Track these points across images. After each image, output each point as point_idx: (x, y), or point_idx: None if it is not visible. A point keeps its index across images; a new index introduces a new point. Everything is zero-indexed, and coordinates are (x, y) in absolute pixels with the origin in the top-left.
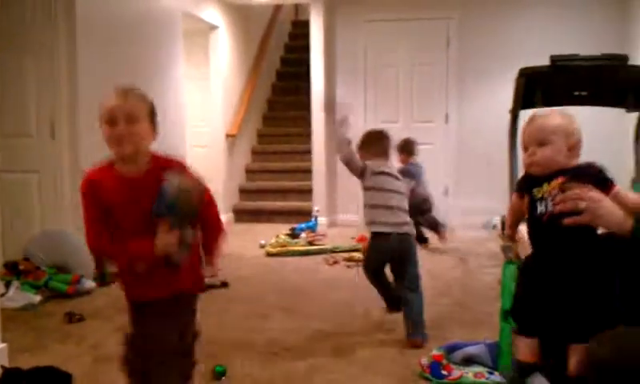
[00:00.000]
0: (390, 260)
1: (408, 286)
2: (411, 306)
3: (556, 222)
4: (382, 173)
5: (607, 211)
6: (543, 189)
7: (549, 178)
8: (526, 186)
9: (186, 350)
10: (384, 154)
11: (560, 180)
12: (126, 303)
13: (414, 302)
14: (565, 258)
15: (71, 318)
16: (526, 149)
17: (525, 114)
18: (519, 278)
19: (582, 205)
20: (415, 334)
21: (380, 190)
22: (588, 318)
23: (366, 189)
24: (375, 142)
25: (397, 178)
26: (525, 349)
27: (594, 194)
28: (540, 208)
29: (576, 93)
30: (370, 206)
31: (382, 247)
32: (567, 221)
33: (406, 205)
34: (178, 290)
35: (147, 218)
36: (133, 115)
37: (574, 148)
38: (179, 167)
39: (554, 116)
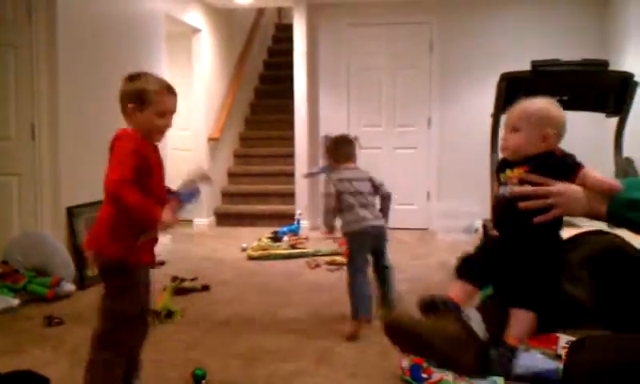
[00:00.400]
0: (371, 252)
1: (386, 265)
2: (391, 280)
3: (511, 205)
4: (343, 179)
5: (573, 201)
6: (507, 174)
7: (514, 164)
8: (498, 170)
9: None
10: (350, 157)
11: (522, 169)
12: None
13: (392, 276)
14: (515, 237)
15: (50, 321)
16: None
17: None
18: (480, 241)
19: (549, 201)
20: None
21: (348, 193)
22: (529, 287)
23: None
24: (340, 147)
25: (360, 179)
26: (458, 290)
27: (558, 187)
28: (501, 190)
29: (557, 98)
30: (345, 209)
31: (364, 241)
32: (537, 220)
33: (373, 200)
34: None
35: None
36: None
37: (548, 138)
38: None
39: (534, 103)
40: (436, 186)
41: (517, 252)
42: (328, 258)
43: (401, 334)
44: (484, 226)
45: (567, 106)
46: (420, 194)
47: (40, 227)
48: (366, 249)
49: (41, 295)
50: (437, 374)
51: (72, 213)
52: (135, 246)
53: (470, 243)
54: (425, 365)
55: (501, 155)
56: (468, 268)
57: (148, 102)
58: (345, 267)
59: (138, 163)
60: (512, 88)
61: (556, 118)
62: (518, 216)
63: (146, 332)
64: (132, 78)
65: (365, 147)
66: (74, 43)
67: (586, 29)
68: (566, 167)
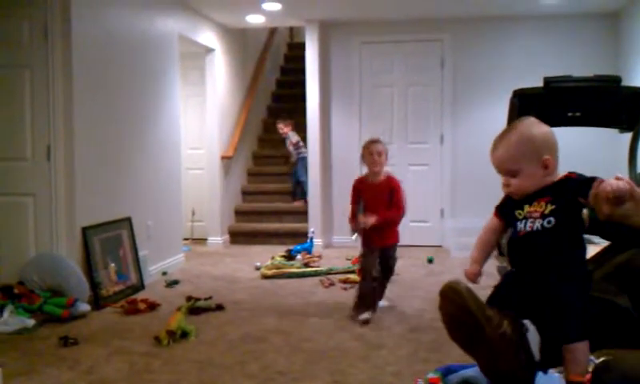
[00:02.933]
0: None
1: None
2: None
3: (530, 238)
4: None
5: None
6: (524, 210)
7: (530, 199)
8: (509, 209)
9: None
10: None
11: (543, 201)
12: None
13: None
14: (536, 270)
15: (66, 342)
16: (500, 172)
17: None
18: (500, 279)
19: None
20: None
21: None
22: (574, 315)
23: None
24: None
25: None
26: None
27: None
28: (520, 227)
29: (570, 114)
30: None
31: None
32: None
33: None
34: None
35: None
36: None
37: (549, 165)
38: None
39: (513, 139)
40: (449, 203)
41: (551, 284)
42: (342, 276)
43: (456, 305)
44: (498, 244)
45: (580, 122)
46: (434, 211)
47: (55, 247)
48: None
49: (56, 315)
50: None
51: (87, 233)
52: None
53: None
54: None
55: (510, 195)
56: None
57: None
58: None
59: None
60: (525, 104)
61: (543, 140)
62: (553, 244)
63: None
64: None
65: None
66: (90, 64)
67: (598, 45)
68: (587, 183)
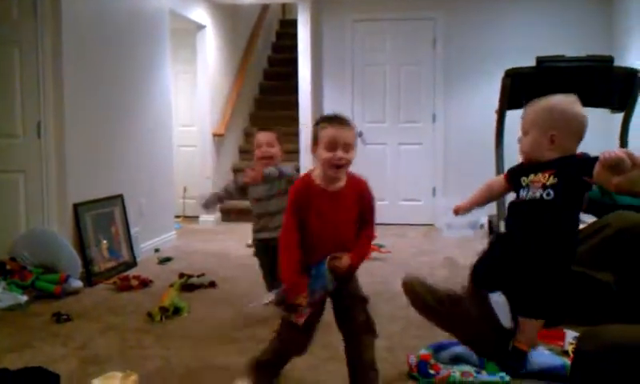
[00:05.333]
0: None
1: None
2: None
3: (527, 206)
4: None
5: None
6: (529, 178)
7: (536, 169)
8: (517, 175)
9: None
10: None
11: (547, 173)
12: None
13: None
14: (530, 238)
15: (59, 318)
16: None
17: (511, 114)
18: (489, 243)
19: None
20: None
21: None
22: (541, 295)
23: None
24: None
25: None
26: None
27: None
28: (522, 193)
29: (562, 94)
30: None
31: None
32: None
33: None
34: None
35: None
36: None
37: (555, 140)
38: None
39: (537, 105)
40: (442, 182)
41: (536, 253)
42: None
43: (417, 301)
44: (489, 222)
45: None
46: (425, 190)
47: (47, 224)
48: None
49: (48, 292)
50: (444, 371)
51: (78, 210)
52: None
53: (474, 239)
54: (432, 361)
55: (521, 154)
56: (479, 276)
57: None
58: None
59: None
60: (517, 84)
61: (561, 119)
62: (546, 216)
63: None
64: None
65: (369, 143)
66: (79, 40)
67: (591, 25)
68: (591, 161)
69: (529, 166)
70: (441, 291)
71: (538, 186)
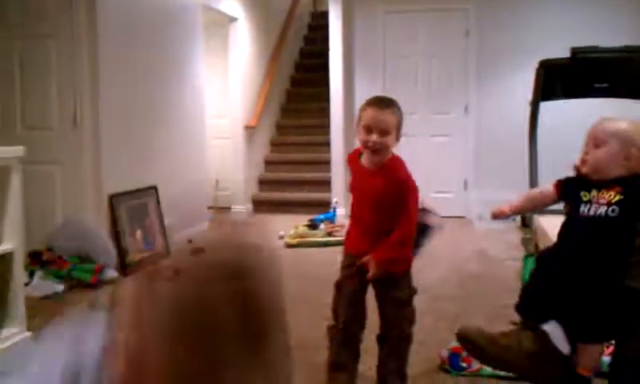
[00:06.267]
0: None
1: None
2: None
3: (591, 223)
4: None
5: None
6: (591, 194)
7: (599, 185)
8: (574, 188)
9: None
10: None
11: (613, 190)
12: None
13: None
14: (590, 258)
15: (94, 307)
16: (585, 147)
17: (545, 106)
18: (534, 269)
19: None
20: None
21: None
22: (601, 318)
23: None
24: None
25: None
26: None
27: None
28: (582, 209)
29: (596, 85)
30: None
31: None
32: None
33: None
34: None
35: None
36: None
37: (631, 159)
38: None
39: (620, 121)
40: (473, 174)
41: (597, 271)
42: None
43: (475, 350)
44: (522, 216)
45: (607, 93)
46: (456, 182)
47: (83, 214)
48: None
49: (84, 281)
50: (476, 364)
51: (114, 200)
52: None
53: (505, 231)
54: (464, 354)
55: (581, 170)
56: (531, 306)
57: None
58: None
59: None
60: (551, 75)
61: None
62: (610, 237)
63: None
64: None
65: (401, 135)
66: (114, 33)
67: (626, 15)
68: None
69: (589, 181)
70: (497, 336)
71: (602, 202)
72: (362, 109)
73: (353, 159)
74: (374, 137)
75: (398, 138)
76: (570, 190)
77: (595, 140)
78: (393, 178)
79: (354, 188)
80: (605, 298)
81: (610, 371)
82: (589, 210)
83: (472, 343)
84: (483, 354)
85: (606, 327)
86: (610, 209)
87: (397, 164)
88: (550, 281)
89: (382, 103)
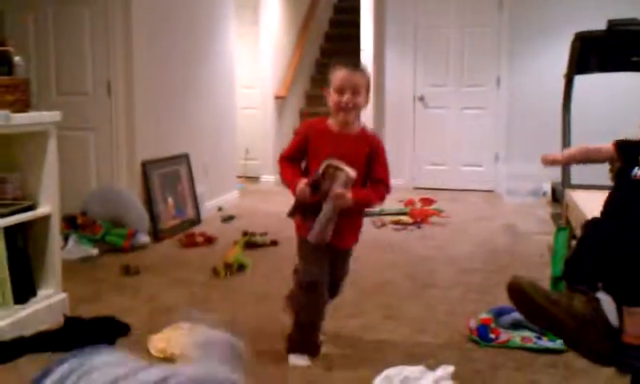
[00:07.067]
0: None
1: None
2: None
3: None
4: None
5: None
6: None
7: None
8: (633, 150)
9: None
10: None
11: None
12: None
13: None
14: (631, 220)
15: (128, 270)
16: None
17: (579, 79)
18: (580, 237)
19: None
20: None
21: None
22: (625, 285)
23: None
24: None
25: None
26: None
27: None
28: (636, 172)
29: (634, 58)
30: None
31: None
32: None
33: None
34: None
35: None
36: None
37: None
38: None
39: None
40: (504, 148)
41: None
42: (393, 218)
43: (523, 302)
44: (553, 189)
45: None
46: (488, 156)
47: (116, 181)
48: None
49: (117, 246)
50: (504, 335)
51: (147, 167)
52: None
53: (535, 206)
54: (492, 325)
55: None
56: (577, 271)
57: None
58: (410, 227)
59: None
60: (586, 48)
61: None
62: None
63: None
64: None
65: (431, 107)
66: (148, 1)
67: None
68: None
69: None
70: (548, 291)
71: None
72: (332, 72)
73: (318, 126)
74: (347, 96)
75: (367, 100)
76: (628, 150)
77: None
78: (372, 140)
79: (323, 153)
80: None
81: None
82: None
83: (522, 292)
84: (532, 305)
85: None
86: None
87: (367, 130)
88: (599, 243)
89: (352, 65)
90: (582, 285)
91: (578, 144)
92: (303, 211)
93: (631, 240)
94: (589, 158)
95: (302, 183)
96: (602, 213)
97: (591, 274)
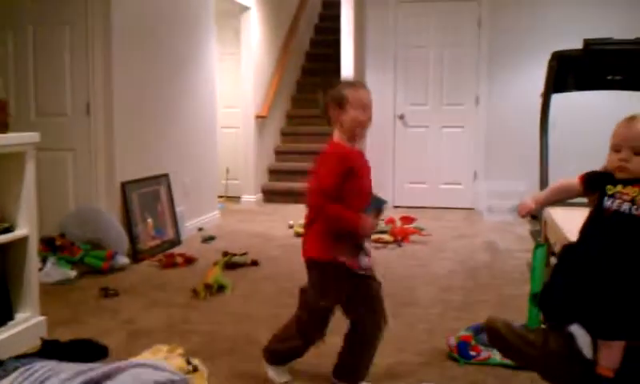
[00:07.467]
0: None
1: None
2: None
3: (614, 217)
4: None
5: None
6: (617, 188)
7: (624, 181)
8: (599, 183)
9: None
10: None
11: (639, 187)
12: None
13: None
14: (612, 253)
15: (106, 293)
16: (616, 149)
17: (556, 98)
18: (556, 265)
19: None
20: None
21: None
22: (624, 313)
23: None
24: None
25: None
26: None
27: None
28: (607, 203)
29: (609, 77)
30: None
31: None
32: None
33: None
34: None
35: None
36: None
37: None
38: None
39: None
40: (483, 166)
41: (616, 273)
42: (374, 236)
43: (500, 342)
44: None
45: (620, 85)
46: (467, 174)
47: (95, 201)
48: None
49: (96, 267)
50: (485, 352)
51: (126, 188)
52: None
53: (514, 224)
54: (472, 342)
55: (618, 175)
56: (552, 307)
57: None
58: (390, 245)
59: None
60: (563, 67)
61: None
62: (633, 233)
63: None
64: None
65: (411, 126)
66: (128, 21)
67: None
68: None
69: (614, 177)
70: (523, 332)
71: (626, 198)
72: (353, 89)
73: (350, 153)
74: (369, 114)
75: None
76: (595, 182)
77: (634, 148)
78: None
79: (365, 175)
80: (629, 293)
81: (621, 368)
82: (612, 204)
83: (498, 334)
84: (507, 346)
85: (629, 323)
86: (634, 207)
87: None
88: (573, 275)
89: (364, 85)
90: (558, 320)
91: (550, 184)
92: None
93: (602, 276)
94: (560, 197)
95: (369, 218)
96: (578, 242)
97: (565, 309)
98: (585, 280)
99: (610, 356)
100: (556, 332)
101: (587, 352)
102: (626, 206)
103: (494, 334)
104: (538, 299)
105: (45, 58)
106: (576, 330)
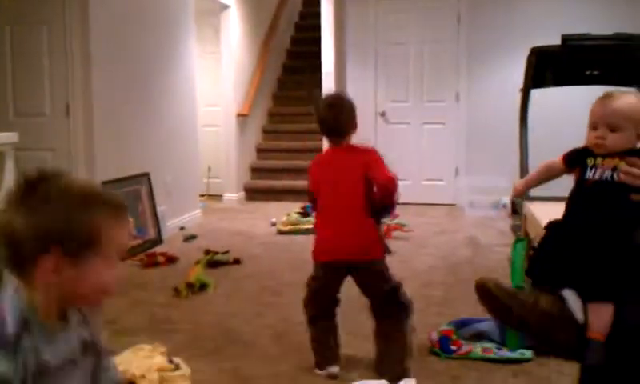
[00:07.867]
0: None
1: None
2: None
3: (596, 186)
4: None
5: None
6: (597, 161)
7: (604, 155)
8: (579, 156)
9: None
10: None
11: (618, 158)
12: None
13: None
14: (597, 217)
15: None
16: (594, 127)
17: (535, 93)
18: (542, 237)
19: None
20: None
21: None
22: (610, 275)
23: None
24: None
25: None
26: None
27: None
28: (588, 174)
29: (587, 72)
30: None
31: None
32: (634, 197)
33: None
34: None
35: None
36: None
37: None
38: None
39: (629, 99)
40: (464, 162)
41: (603, 236)
42: None
43: (491, 302)
44: (512, 202)
45: (598, 80)
46: (448, 170)
47: None
48: None
49: None
50: (465, 346)
51: (106, 187)
52: None
53: (496, 219)
54: (454, 337)
55: (596, 151)
56: (541, 271)
57: None
58: None
59: None
60: (542, 62)
61: None
62: (617, 197)
63: None
64: None
65: (392, 122)
66: (106, 20)
67: (618, 2)
68: None
69: (591, 152)
70: (514, 291)
71: (609, 166)
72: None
73: None
74: None
75: None
76: (575, 158)
77: (610, 124)
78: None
79: None
80: (615, 255)
81: (608, 337)
82: (594, 174)
83: (489, 293)
84: (498, 305)
85: (616, 284)
86: (616, 172)
87: None
88: (560, 243)
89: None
90: (547, 285)
91: (536, 165)
92: None
93: (591, 237)
94: (548, 176)
95: None
96: (564, 215)
97: (555, 273)
98: (572, 245)
99: (600, 320)
100: (547, 293)
101: (579, 316)
102: (607, 173)
103: (484, 293)
104: (527, 270)
105: (23, 58)
106: (567, 293)
